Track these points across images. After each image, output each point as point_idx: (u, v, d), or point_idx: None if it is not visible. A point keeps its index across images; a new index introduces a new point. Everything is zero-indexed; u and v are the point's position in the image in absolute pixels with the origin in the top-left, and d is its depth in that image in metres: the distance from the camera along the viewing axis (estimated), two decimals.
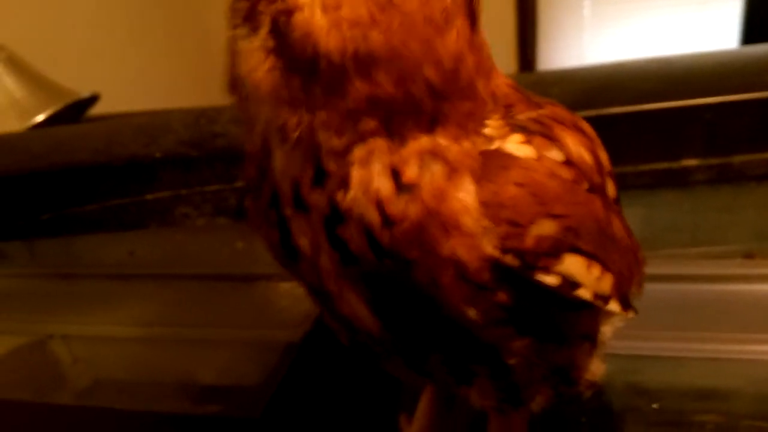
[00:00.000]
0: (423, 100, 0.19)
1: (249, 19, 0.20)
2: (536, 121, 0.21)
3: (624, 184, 0.50)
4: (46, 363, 0.46)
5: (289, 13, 0.18)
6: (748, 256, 0.41)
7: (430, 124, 0.19)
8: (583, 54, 2.28)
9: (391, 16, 0.18)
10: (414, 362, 0.24)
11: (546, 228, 0.19)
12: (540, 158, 0.20)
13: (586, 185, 0.21)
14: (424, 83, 0.19)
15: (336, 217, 0.20)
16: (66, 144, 0.59)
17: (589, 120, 0.50)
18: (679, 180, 0.47)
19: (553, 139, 0.21)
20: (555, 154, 0.21)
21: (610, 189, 0.24)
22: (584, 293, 0.21)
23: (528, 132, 0.21)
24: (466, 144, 0.20)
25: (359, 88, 0.18)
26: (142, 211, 0.57)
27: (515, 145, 0.20)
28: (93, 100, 0.93)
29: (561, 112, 0.23)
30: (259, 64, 0.19)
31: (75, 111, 0.91)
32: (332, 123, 0.19)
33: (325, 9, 0.18)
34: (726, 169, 0.47)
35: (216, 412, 0.37)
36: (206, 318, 0.48)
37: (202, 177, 0.57)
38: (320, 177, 0.20)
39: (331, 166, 0.19)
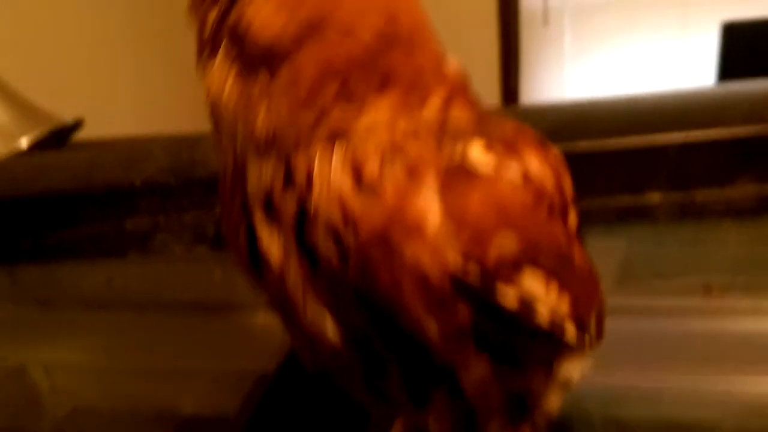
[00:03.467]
0: (370, 48, 0.20)
1: (212, 43, 0.21)
2: (495, 129, 0.22)
3: (589, 217, 0.51)
4: (23, 391, 0.46)
5: (242, 14, 0.20)
6: (707, 290, 0.42)
7: (381, 83, 0.20)
8: (564, 84, 2.33)
9: None
10: (374, 383, 0.24)
11: (508, 241, 0.20)
12: (502, 168, 0.20)
13: (546, 204, 0.21)
14: (369, 30, 0.20)
15: (304, 219, 0.20)
16: (47, 170, 0.60)
17: None
18: (643, 214, 0.49)
19: (515, 151, 0.21)
20: (516, 167, 0.21)
21: (572, 217, 0.24)
22: (541, 310, 0.21)
23: (490, 139, 0.21)
24: (425, 134, 0.20)
25: (313, 52, 0.19)
26: (121, 239, 0.58)
27: (478, 151, 0.20)
28: (77, 125, 0.94)
29: (522, 127, 0.23)
30: (223, 78, 0.20)
31: (59, 136, 0.91)
32: (295, 107, 0.20)
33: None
34: (689, 204, 0.49)
35: None
36: (184, 348, 0.48)
37: (181, 204, 0.58)
38: (289, 177, 0.20)
39: (299, 161, 0.20)
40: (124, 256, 0.58)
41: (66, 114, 0.95)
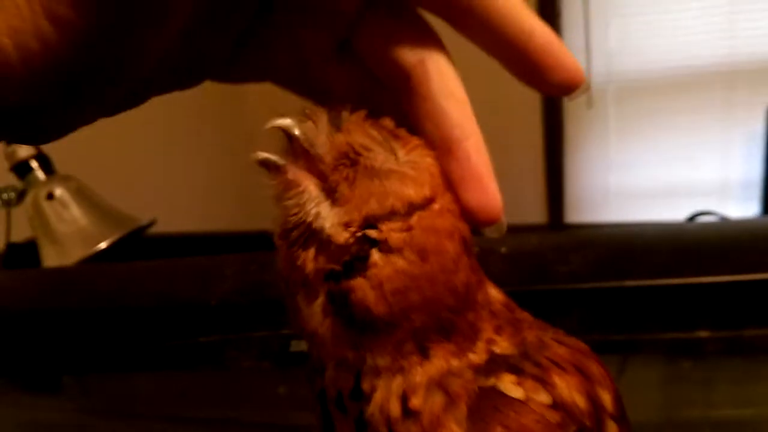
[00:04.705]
0: (444, 318, 0.24)
1: (304, 287, 0.25)
2: (531, 360, 0.25)
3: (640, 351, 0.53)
4: None
5: (345, 293, 0.24)
6: None
7: (447, 334, 0.25)
8: (609, 164, 2.34)
9: (420, 281, 0.24)
10: None
11: None
12: (528, 400, 0.24)
13: (573, 428, 0.24)
14: (446, 308, 0.25)
15: (362, 424, 0.25)
16: (127, 284, 0.66)
17: (605, 292, 0.54)
18: (693, 350, 0.51)
19: (544, 382, 0.25)
20: (544, 398, 0.24)
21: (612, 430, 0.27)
22: None
23: (521, 373, 0.25)
24: (468, 374, 0.25)
25: (403, 327, 0.24)
26: (195, 354, 0.63)
27: (509, 385, 0.24)
28: (150, 224, 1.02)
29: (562, 351, 0.27)
30: (318, 323, 0.25)
31: (134, 235, 0.99)
32: (378, 353, 0.24)
33: (372, 287, 0.24)
34: (737, 341, 0.50)
35: None
36: None
37: (250, 323, 0.62)
38: (357, 393, 0.25)
39: (365, 385, 0.25)
40: (196, 369, 0.63)
41: (140, 212, 1.03)
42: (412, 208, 0.24)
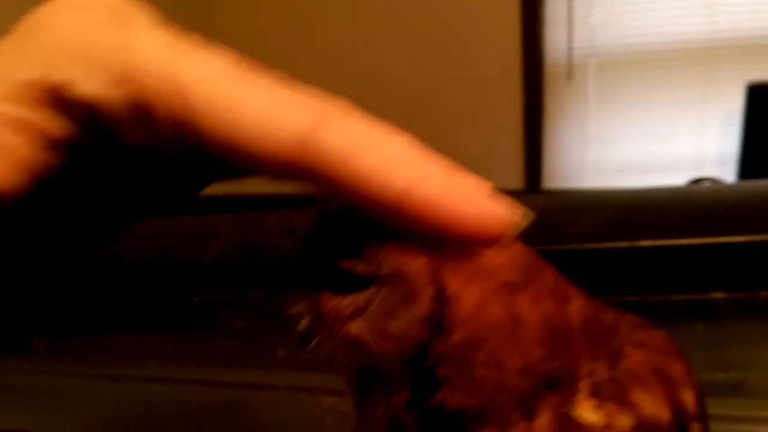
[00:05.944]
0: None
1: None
2: (613, 382, 0.23)
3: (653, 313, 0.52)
4: None
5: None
6: None
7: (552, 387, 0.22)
8: (587, 139, 2.35)
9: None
10: None
11: None
12: (607, 427, 0.22)
13: None
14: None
15: None
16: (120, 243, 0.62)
17: (617, 252, 0.53)
18: (707, 312, 0.50)
19: (625, 402, 0.23)
20: (625, 421, 0.22)
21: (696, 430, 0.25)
22: None
23: (601, 397, 0.23)
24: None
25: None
26: (187, 314, 0.60)
27: (586, 412, 0.22)
28: None
29: (641, 356, 0.24)
30: None
31: None
32: None
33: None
34: (752, 303, 0.50)
35: None
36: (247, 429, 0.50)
37: (245, 283, 0.60)
38: None
39: None
40: (190, 329, 0.60)
41: None
42: None
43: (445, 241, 0.21)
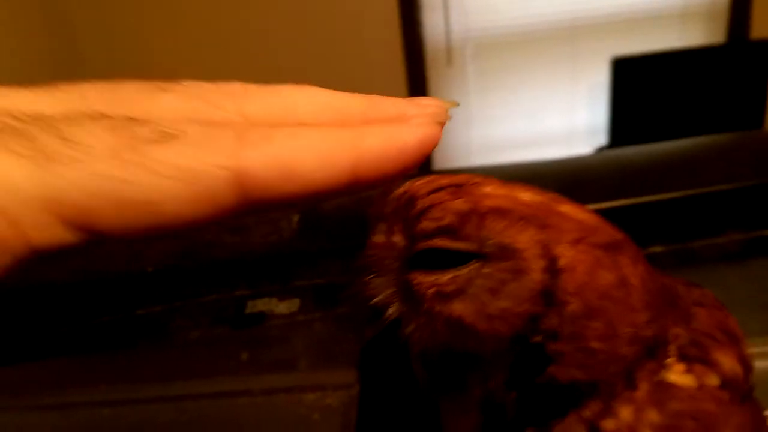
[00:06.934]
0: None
1: None
2: (695, 344, 0.24)
3: None
4: None
5: None
6: None
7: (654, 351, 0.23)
8: (470, 120, 2.44)
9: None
10: None
11: None
12: (701, 387, 0.23)
13: (738, 398, 0.24)
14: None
15: None
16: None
17: None
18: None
19: (710, 364, 0.24)
20: (713, 380, 0.23)
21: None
22: None
23: (689, 360, 0.23)
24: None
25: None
26: (131, 329, 0.55)
27: (679, 375, 0.23)
28: None
29: (706, 316, 0.25)
30: None
31: None
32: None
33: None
34: (686, 253, 0.55)
35: None
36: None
37: (197, 288, 0.56)
38: None
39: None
40: (137, 345, 0.56)
41: None
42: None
43: (535, 210, 0.21)
